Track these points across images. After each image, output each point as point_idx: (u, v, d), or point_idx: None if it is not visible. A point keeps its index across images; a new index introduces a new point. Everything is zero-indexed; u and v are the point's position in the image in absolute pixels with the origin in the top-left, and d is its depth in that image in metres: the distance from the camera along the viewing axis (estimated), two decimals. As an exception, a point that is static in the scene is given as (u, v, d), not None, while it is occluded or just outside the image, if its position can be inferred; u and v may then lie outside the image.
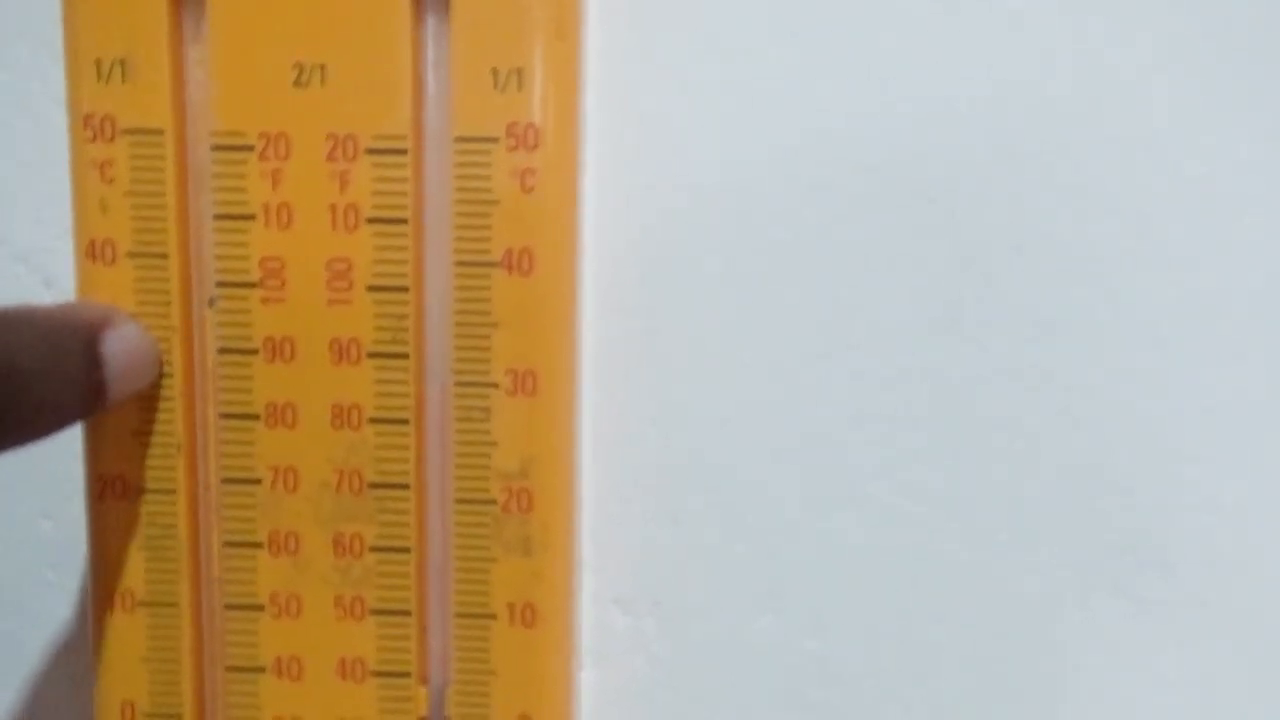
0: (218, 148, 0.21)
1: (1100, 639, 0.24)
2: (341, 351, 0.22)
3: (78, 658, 0.24)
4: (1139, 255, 0.23)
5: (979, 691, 0.24)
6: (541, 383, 0.22)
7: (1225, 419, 0.23)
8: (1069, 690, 0.24)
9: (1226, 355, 0.23)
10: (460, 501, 0.22)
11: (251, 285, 0.22)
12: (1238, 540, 0.23)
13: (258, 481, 0.22)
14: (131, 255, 0.21)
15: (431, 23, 0.21)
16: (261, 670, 0.22)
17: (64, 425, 0.20)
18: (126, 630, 0.22)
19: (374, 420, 0.22)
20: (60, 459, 0.24)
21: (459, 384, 0.22)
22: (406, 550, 0.22)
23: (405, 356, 0.22)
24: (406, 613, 0.22)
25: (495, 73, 0.21)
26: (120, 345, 0.20)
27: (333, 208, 0.21)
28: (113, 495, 0.22)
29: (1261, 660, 0.23)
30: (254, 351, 0.22)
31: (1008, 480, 0.23)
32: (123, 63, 0.21)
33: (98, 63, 0.21)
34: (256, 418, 0.22)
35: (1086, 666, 0.24)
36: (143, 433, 0.22)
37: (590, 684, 0.24)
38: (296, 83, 0.21)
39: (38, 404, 0.19)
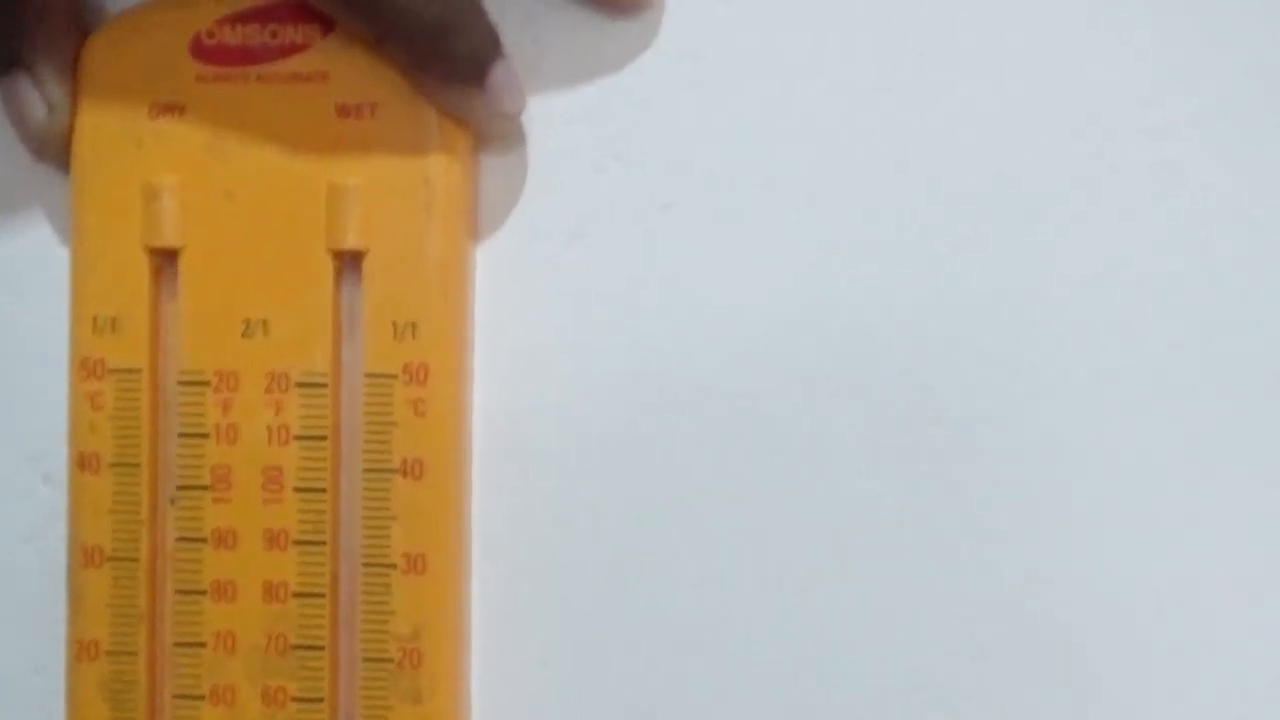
0: (182, 383, 0.28)
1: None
2: (273, 540, 0.27)
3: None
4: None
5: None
6: (430, 564, 0.27)
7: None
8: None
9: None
10: (366, 660, 0.28)
11: (205, 488, 0.28)
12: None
13: (203, 645, 0.28)
14: (112, 465, 0.28)
15: (347, 286, 0.28)
16: (201, 799, 0.28)
17: None
18: (93, 768, 0.28)
19: (297, 594, 0.27)
20: (45, 624, 0.29)
21: (365, 565, 0.28)
22: (321, 700, 0.27)
23: (323, 543, 0.28)
24: (321, 751, 0.28)
25: (395, 325, 0.28)
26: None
27: (269, 427, 0.28)
28: (88, 656, 0.28)
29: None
30: (204, 540, 0.28)
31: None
32: (113, 320, 0.28)
33: (94, 319, 0.28)
34: (204, 593, 0.28)
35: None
36: (114, 604, 0.28)
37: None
38: (244, 334, 0.28)
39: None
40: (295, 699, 0.27)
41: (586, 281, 0.29)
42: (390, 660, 0.27)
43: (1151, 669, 0.29)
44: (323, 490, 0.28)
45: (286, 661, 0.27)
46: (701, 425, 0.29)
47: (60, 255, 0.29)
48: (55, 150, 0.28)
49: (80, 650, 0.28)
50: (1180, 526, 0.29)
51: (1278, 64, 0.29)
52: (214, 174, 0.28)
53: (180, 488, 0.28)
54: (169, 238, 0.28)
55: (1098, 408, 0.29)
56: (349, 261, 0.28)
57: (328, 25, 0.28)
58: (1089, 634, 0.29)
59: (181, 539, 0.28)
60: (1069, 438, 0.29)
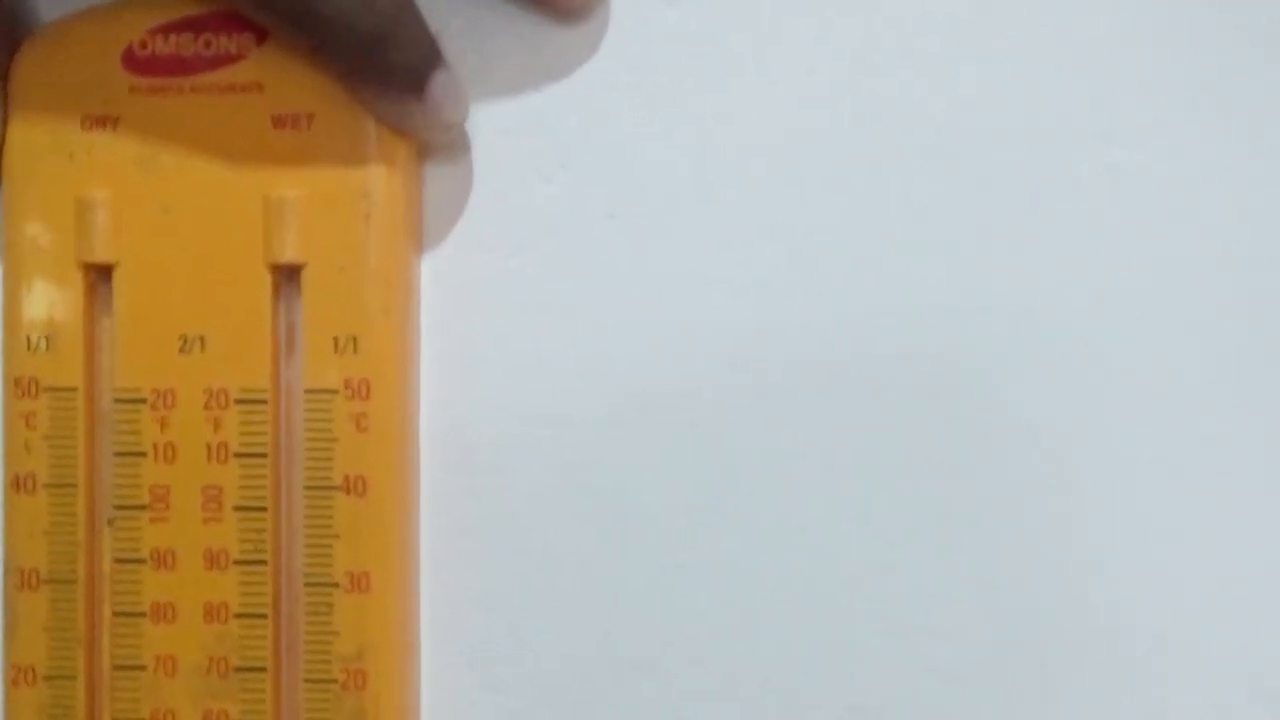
0: (118, 401, 0.27)
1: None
2: (213, 560, 0.27)
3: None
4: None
5: None
6: (374, 582, 0.27)
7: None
8: None
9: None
10: (309, 681, 0.27)
11: (142, 508, 0.27)
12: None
13: (143, 668, 0.27)
14: (47, 486, 0.27)
15: (286, 301, 0.27)
16: (142, 824, 0.27)
17: None
18: (31, 795, 0.27)
19: (239, 615, 0.27)
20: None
21: (308, 584, 0.27)
22: (264, 723, 0.27)
23: (264, 563, 0.27)
24: (264, 775, 0.27)
25: (336, 339, 0.27)
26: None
27: (208, 445, 0.27)
28: (25, 681, 0.27)
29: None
30: (143, 560, 0.27)
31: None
32: (47, 338, 0.27)
33: (28, 337, 0.27)
34: (144, 615, 0.27)
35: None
36: (51, 628, 0.27)
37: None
38: (182, 350, 0.27)
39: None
40: (238, 721, 0.27)
41: (534, 292, 0.29)
42: (334, 681, 0.27)
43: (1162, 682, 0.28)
44: (263, 509, 0.27)
45: (228, 684, 0.27)
46: (653, 436, 0.29)
47: (-8, 272, 0.28)
48: (-14, 165, 0.28)
49: (17, 675, 0.27)
50: (1161, 533, 0.28)
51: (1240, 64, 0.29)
52: (148, 187, 0.27)
53: (118, 508, 0.27)
54: (103, 253, 0.27)
55: (1070, 420, 0.28)
56: (287, 275, 0.27)
57: (262, 35, 0.27)
58: (1082, 643, 0.28)
59: (119, 560, 0.27)
60: (1043, 459, 0.28)
